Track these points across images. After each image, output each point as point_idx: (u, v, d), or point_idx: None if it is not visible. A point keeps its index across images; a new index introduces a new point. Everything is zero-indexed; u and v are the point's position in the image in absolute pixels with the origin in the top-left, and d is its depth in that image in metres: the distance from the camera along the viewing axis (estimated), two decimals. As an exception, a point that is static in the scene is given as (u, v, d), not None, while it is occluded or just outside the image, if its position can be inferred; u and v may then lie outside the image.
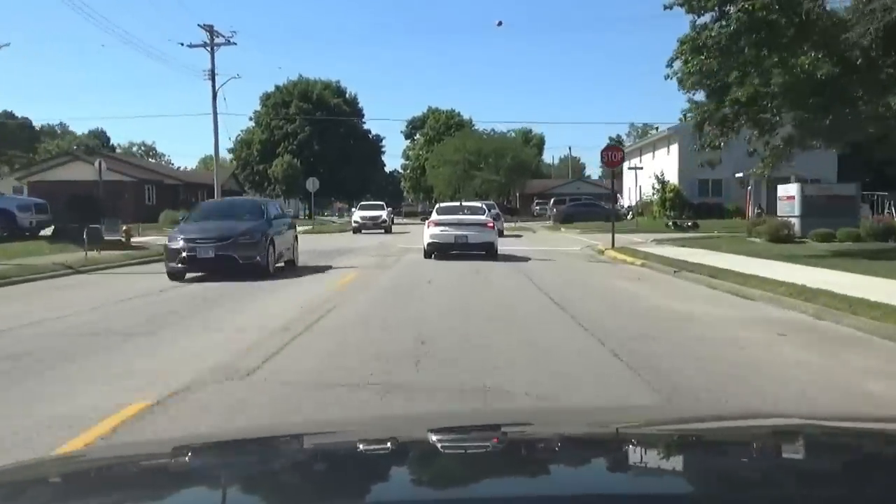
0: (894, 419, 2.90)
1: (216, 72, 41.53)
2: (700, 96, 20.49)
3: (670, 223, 40.94)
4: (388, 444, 1.93)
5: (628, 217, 52.88)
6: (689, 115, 25.03)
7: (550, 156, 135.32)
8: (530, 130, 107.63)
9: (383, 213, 44.45)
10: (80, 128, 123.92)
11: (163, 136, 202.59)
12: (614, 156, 25.76)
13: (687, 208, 48.41)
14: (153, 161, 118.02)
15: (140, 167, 58.50)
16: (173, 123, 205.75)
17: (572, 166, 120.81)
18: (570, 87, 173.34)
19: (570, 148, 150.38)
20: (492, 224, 22.06)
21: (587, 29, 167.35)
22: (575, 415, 2.92)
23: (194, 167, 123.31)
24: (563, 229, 43.72)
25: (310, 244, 27.11)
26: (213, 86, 41.80)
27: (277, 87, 78.41)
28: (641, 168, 41.30)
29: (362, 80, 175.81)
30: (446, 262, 20.36)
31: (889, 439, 1.95)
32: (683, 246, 25.06)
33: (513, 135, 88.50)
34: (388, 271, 18.20)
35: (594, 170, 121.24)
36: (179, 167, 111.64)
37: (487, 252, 21.05)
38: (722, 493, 1.51)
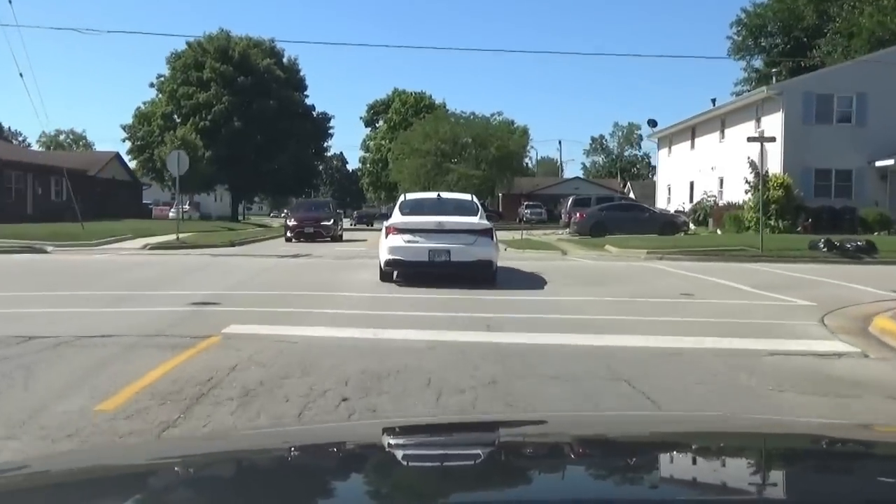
0: None
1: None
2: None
3: (821, 244, 22.20)
4: (375, 451, 1.86)
5: (689, 228, 34.30)
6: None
7: (535, 152, 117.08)
8: (513, 122, 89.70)
9: None
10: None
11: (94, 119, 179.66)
12: None
13: (801, 215, 29.85)
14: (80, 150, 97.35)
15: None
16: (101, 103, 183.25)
17: (550, 168, 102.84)
18: (553, 82, 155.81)
19: (560, 142, 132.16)
20: (489, 229, 13.43)
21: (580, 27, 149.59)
22: (573, 420, 2.61)
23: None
24: (609, 248, 24.87)
25: None
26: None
27: (189, 44, 58.66)
28: (773, 139, 22.57)
29: (312, 57, 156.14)
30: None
31: None
32: None
33: (498, 119, 69.12)
34: None
35: (574, 172, 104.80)
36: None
37: (482, 276, 12.91)
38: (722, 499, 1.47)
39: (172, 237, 26.59)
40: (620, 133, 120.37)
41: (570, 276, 15.48)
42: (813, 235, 25.66)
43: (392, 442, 1.89)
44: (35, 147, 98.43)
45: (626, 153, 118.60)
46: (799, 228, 28.96)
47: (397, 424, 2.61)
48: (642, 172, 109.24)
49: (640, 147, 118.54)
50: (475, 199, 15.27)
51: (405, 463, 1.72)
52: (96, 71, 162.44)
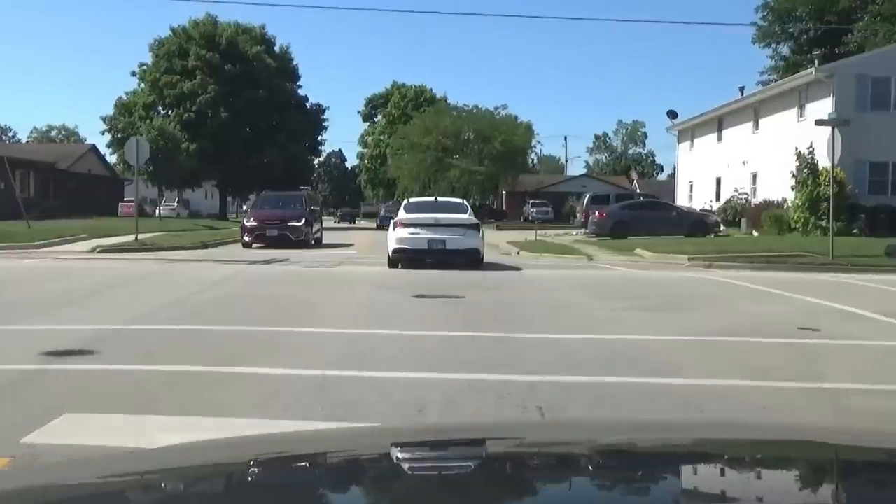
0: None
1: None
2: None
3: (905, 247, 18.50)
4: (375, 459, 1.72)
5: (721, 229, 30.58)
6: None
7: (540, 147, 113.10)
8: (516, 117, 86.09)
9: None
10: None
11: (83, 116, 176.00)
12: None
13: (858, 215, 26.13)
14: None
15: None
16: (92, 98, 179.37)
17: (553, 166, 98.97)
18: (555, 79, 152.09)
19: (565, 138, 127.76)
20: (477, 224, 16.73)
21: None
22: (568, 428, 2.47)
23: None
24: (641, 252, 21.14)
25: None
26: None
27: (173, 30, 54.88)
28: (847, 122, 18.77)
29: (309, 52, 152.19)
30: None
31: None
32: None
33: (502, 113, 64.96)
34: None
35: (577, 169, 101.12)
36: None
37: (470, 261, 15.95)
38: None
39: (132, 238, 22.87)
40: (624, 131, 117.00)
41: (616, 293, 11.74)
42: (874, 239, 22.07)
43: (393, 449, 1.76)
44: (25, 143, 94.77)
45: (631, 151, 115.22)
46: (855, 230, 25.27)
47: (399, 432, 2.49)
48: (647, 171, 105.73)
49: (645, 145, 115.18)
50: (465, 202, 18.87)
51: (407, 471, 1.64)
52: (88, 66, 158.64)
